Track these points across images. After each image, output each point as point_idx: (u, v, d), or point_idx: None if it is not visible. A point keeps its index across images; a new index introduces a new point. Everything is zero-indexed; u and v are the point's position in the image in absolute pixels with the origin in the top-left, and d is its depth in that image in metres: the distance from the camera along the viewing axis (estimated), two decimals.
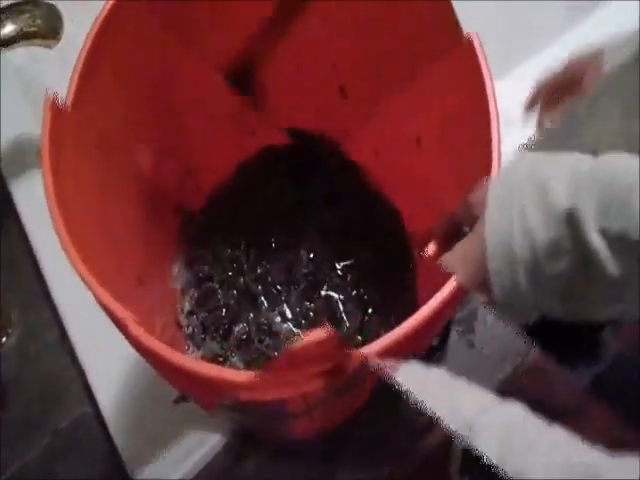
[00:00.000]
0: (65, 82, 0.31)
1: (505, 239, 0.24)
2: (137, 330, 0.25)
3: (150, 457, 0.44)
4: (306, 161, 0.48)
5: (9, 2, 0.47)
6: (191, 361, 0.24)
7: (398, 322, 0.25)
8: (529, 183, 0.25)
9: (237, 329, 0.43)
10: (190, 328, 0.43)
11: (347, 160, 0.47)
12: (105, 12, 0.31)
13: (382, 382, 0.25)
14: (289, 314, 0.43)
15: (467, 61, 0.30)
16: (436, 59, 0.33)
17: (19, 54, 0.52)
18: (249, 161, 0.48)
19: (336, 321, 0.43)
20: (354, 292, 0.44)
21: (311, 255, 0.45)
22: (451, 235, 0.30)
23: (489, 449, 0.23)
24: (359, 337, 0.43)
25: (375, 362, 0.24)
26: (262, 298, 0.44)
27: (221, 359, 0.42)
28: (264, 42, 0.41)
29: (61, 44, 0.48)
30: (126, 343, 0.28)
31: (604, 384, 0.47)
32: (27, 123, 0.52)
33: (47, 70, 0.55)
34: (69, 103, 0.30)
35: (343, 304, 0.43)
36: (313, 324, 0.43)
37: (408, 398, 0.25)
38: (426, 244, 0.31)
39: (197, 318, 0.43)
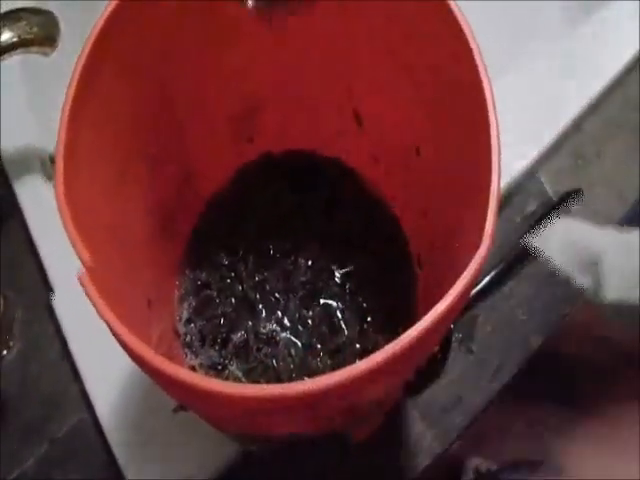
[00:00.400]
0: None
1: None
2: (134, 343, 0.24)
3: (148, 466, 0.44)
4: (305, 167, 0.48)
5: (5, 9, 0.47)
6: (191, 375, 0.23)
7: (397, 330, 0.24)
8: None
9: (235, 337, 0.43)
10: (188, 336, 0.43)
11: (346, 167, 0.47)
12: (106, 14, 0.31)
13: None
14: (287, 322, 0.43)
15: (467, 70, 0.30)
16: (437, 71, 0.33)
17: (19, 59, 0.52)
18: (248, 167, 0.48)
19: (335, 329, 0.43)
20: (353, 300, 0.44)
21: (309, 262, 0.45)
22: None
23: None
24: (358, 345, 0.42)
25: None
26: (260, 306, 0.44)
27: (220, 367, 0.42)
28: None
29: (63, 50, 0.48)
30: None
31: None
32: (30, 133, 0.53)
33: (49, 75, 0.55)
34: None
35: (342, 312, 0.43)
36: (311, 332, 0.43)
37: None
38: None
39: (195, 326, 0.43)
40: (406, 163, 0.40)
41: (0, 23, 0.45)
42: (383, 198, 0.46)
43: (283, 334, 0.43)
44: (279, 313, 0.44)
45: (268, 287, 0.44)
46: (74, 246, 0.27)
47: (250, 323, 0.43)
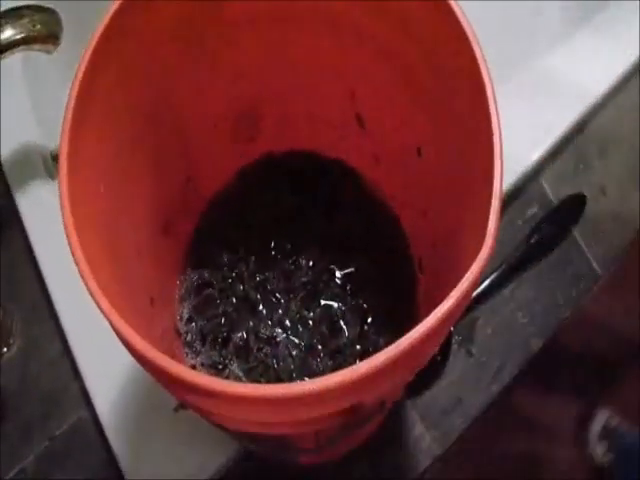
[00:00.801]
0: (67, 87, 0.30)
1: None
2: (137, 341, 0.24)
3: (148, 464, 0.44)
4: (306, 168, 0.48)
5: (8, 6, 0.47)
6: (192, 373, 0.23)
7: (397, 332, 0.24)
8: None
9: (236, 337, 0.43)
10: (189, 335, 0.43)
11: (347, 168, 0.47)
12: (109, 14, 0.31)
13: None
14: (288, 323, 0.43)
15: (469, 72, 0.30)
16: (439, 72, 0.33)
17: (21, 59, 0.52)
18: (249, 167, 0.48)
19: (335, 330, 0.43)
20: (353, 301, 0.44)
21: (310, 263, 0.45)
22: None
23: None
24: (358, 347, 0.42)
25: None
26: (261, 306, 0.44)
27: (220, 367, 0.42)
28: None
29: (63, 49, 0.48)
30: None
31: None
32: (31, 131, 0.53)
33: (51, 77, 0.55)
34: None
35: (342, 313, 0.43)
36: (312, 333, 0.43)
37: None
38: None
39: (196, 325, 0.43)
40: (407, 164, 0.41)
41: (2, 20, 0.45)
42: (384, 199, 0.46)
43: (284, 334, 0.43)
44: (280, 313, 0.44)
45: (269, 287, 0.44)
46: (76, 243, 0.27)
47: (251, 323, 0.43)
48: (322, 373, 0.41)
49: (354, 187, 0.47)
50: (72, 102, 0.29)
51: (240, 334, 0.43)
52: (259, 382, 0.42)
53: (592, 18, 0.59)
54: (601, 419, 1.32)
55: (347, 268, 0.45)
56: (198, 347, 0.43)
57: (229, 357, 0.42)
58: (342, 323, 0.43)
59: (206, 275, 0.45)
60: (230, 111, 0.43)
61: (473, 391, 0.50)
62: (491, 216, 0.26)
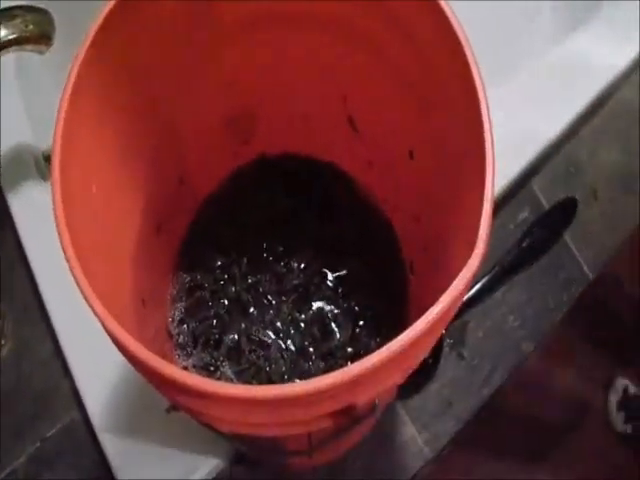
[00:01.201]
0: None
1: None
2: (128, 341, 0.24)
3: (139, 466, 0.44)
4: (300, 171, 0.48)
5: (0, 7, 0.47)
6: (184, 374, 0.23)
7: (389, 335, 0.25)
8: None
9: (228, 339, 0.43)
10: (181, 337, 0.43)
11: (340, 171, 0.47)
12: (103, 15, 0.31)
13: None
14: (280, 325, 0.43)
15: (461, 74, 0.30)
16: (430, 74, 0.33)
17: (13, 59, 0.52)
18: (243, 169, 0.48)
19: (327, 332, 0.43)
20: (345, 304, 0.44)
21: (302, 265, 0.45)
22: None
23: None
24: (350, 349, 0.43)
25: None
26: (253, 308, 0.44)
27: (212, 368, 0.42)
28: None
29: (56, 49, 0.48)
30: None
31: None
32: (23, 131, 0.53)
33: (43, 77, 0.55)
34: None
35: (334, 315, 0.43)
36: (304, 335, 0.43)
37: None
38: None
39: (188, 327, 0.43)
40: (399, 167, 0.41)
41: None
42: (376, 203, 0.46)
43: (275, 336, 0.43)
44: (272, 315, 0.44)
45: (261, 289, 0.44)
46: (67, 243, 0.27)
47: (243, 325, 0.43)
48: (314, 375, 0.41)
49: (347, 190, 0.47)
50: (64, 103, 0.29)
51: (232, 336, 0.43)
52: (251, 384, 0.42)
53: (585, 20, 0.59)
54: (619, 388, 1.31)
55: (339, 271, 0.45)
56: (190, 349, 0.43)
57: (221, 359, 0.42)
58: (334, 325, 0.43)
59: (198, 277, 0.45)
60: (224, 112, 0.43)
61: (464, 394, 0.50)
62: (483, 220, 0.26)
